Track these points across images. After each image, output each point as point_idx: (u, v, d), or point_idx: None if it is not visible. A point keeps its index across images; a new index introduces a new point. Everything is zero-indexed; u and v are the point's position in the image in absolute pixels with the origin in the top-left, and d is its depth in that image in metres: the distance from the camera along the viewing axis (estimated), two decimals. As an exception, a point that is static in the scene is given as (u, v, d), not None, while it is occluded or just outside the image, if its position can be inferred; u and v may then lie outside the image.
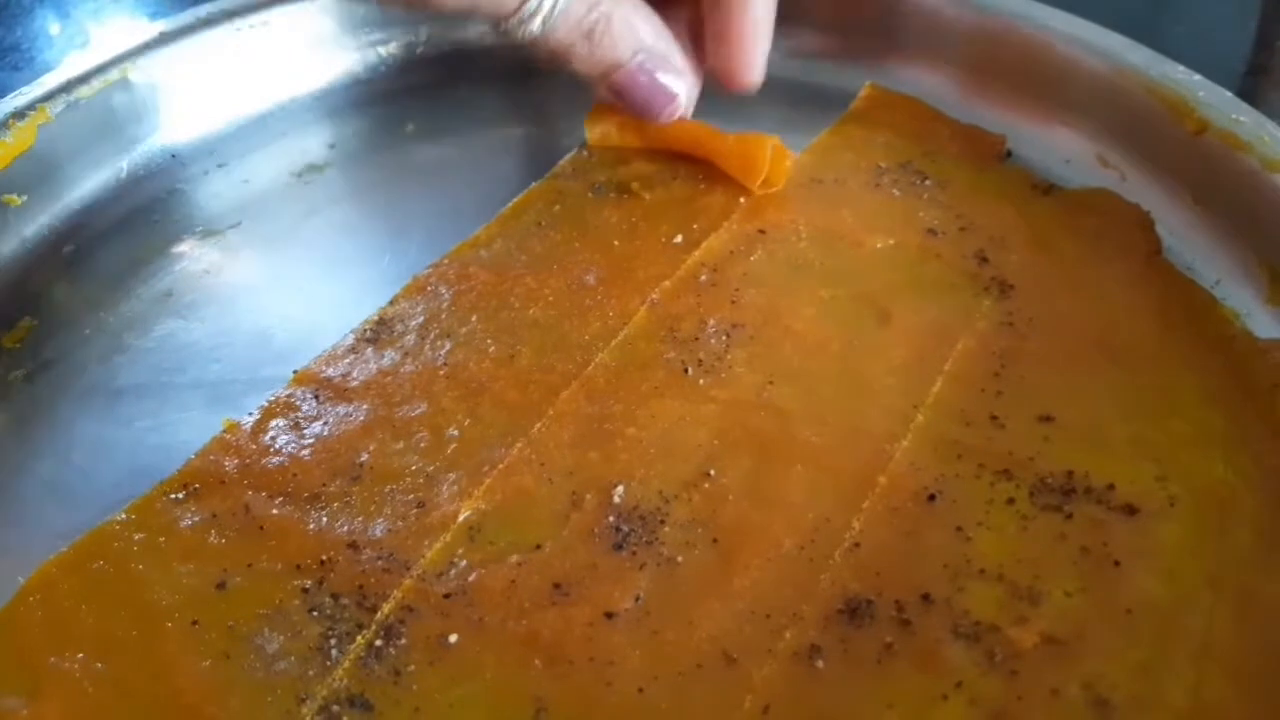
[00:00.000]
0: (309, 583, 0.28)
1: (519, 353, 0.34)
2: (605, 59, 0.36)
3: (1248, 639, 0.26)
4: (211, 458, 0.31)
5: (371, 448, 0.31)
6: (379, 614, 0.27)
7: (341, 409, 0.32)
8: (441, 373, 0.33)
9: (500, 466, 0.30)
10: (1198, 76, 0.38)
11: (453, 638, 0.27)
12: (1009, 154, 0.42)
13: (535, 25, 0.35)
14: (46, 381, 0.36)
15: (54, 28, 0.59)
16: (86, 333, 0.37)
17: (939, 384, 0.32)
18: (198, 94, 0.44)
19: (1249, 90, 0.40)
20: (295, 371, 0.34)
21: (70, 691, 0.26)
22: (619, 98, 0.38)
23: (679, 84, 0.38)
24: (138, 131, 0.43)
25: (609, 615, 0.27)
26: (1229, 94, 0.38)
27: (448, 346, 0.34)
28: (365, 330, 0.35)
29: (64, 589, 0.28)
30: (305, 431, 0.32)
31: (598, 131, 0.41)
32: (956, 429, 0.31)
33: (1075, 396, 0.32)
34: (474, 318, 0.35)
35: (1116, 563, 0.28)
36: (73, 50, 0.43)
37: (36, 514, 0.32)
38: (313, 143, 0.45)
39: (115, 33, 0.43)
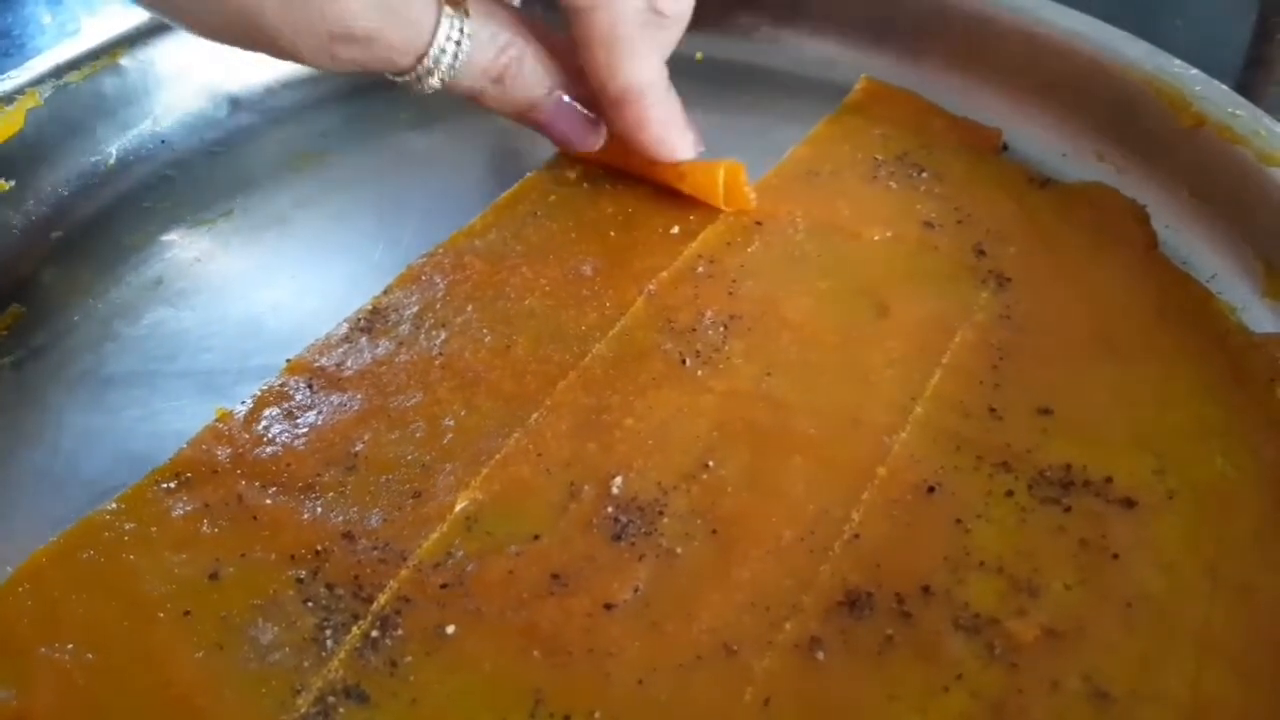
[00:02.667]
0: (303, 573, 0.28)
1: (515, 343, 0.33)
2: (519, 100, 0.35)
3: (1247, 631, 0.26)
4: (204, 447, 0.31)
5: (366, 437, 0.31)
6: (375, 604, 0.27)
7: (335, 398, 0.32)
8: (437, 362, 0.33)
9: (497, 457, 0.30)
10: (1195, 70, 0.38)
11: (450, 628, 0.26)
12: (1005, 147, 0.42)
13: (433, 81, 0.33)
14: (35, 369, 0.35)
15: (46, 16, 0.58)
16: (76, 320, 0.37)
17: (937, 376, 0.32)
18: (189, 80, 0.44)
19: (1246, 84, 0.40)
20: (288, 360, 0.33)
21: (60, 682, 0.26)
22: (539, 131, 0.37)
23: (593, 116, 0.37)
24: (128, 117, 0.43)
25: (608, 606, 0.27)
26: (1225, 88, 0.38)
27: (443, 336, 0.34)
28: (359, 319, 0.34)
29: (54, 579, 0.28)
30: (299, 421, 0.31)
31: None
32: (955, 421, 0.31)
33: (1073, 389, 0.32)
34: (469, 307, 0.35)
35: (1115, 555, 0.27)
36: (64, 38, 0.42)
37: (26, 503, 0.31)
38: (305, 130, 0.44)
39: (107, 20, 0.43)
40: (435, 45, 0.32)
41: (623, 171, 0.39)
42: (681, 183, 0.38)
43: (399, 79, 0.33)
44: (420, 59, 0.32)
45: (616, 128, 0.36)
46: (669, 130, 0.36)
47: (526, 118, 0.36)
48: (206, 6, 0.29)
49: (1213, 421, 0.31)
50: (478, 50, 0.33)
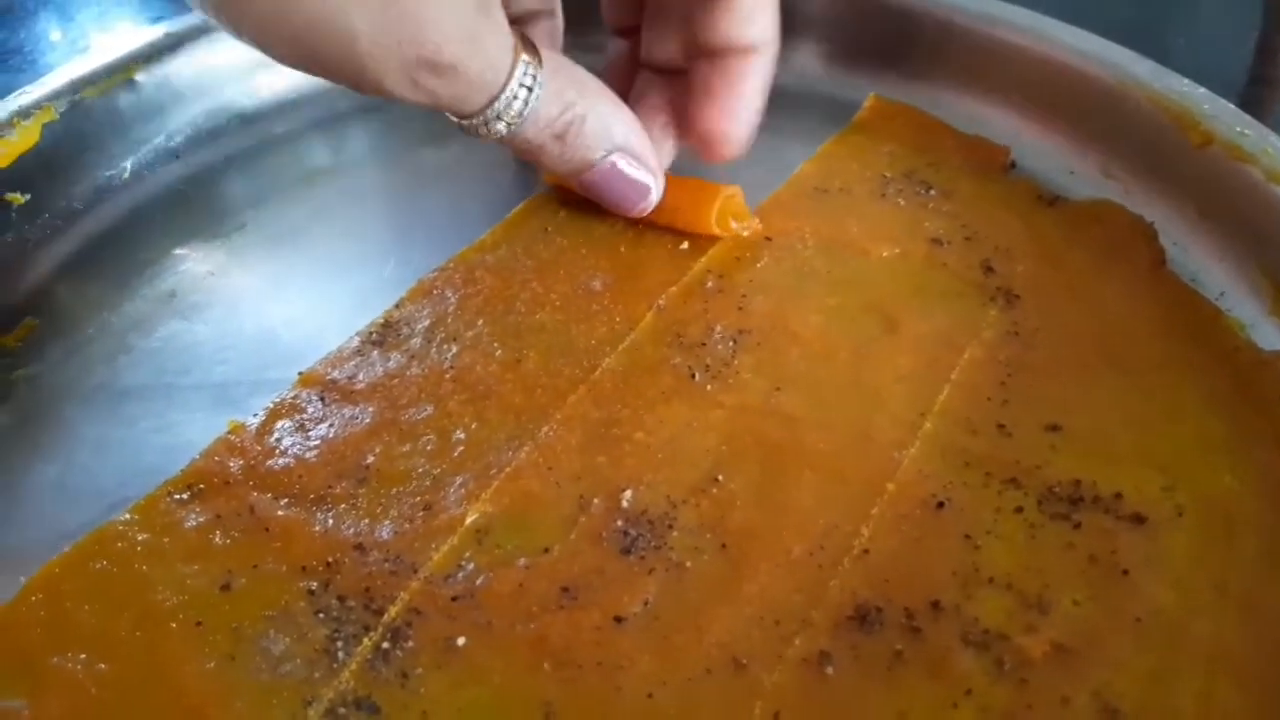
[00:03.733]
0: (315, 584, 0.28)
1: (525, 357, 0.34)
2: (576, 159, 0.35)
3: (1256, 647, 0.26)
4: (216, 458, 0.31)
5: (378, 450, 0.31)
6: (386, 616, 0.27)
7: (347, 411, 0.32)
8: (448, 376, 0.33)
9: (508, 470, 0.30)
10: (1202, 89, 0.39)
11: (460, 641, 0.26)
12: (1013, 165, 0.42)
13: (500, 127, 0.32)
14: (50, 382, 0.36)
15: (55, 33, 0.59)
16: (90, 333, 0.37)
17: (946, 392, 0.32)
18: (203, 96, 0.44)
19: (1251, 100, 0.40)
20: (300, 373, 0.33)
21: (72, 692, 0.26)
22: (588, 193, 0.37)
23: (651, 180, 0.36)
24: (143, 132, 0.43)
25: (618, 619, 0.27)
26: (1233, 107, 0.38)
27: (454, 350, 0.34)
28: (371, 333, 0.35)
29: (67, 589, 0.28)
30: (311, 433, 0.32)
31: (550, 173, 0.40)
32: (964, 437, 0.31)
33: (1082, 406, 0.32)
34: (480, 321, 0.35)
35: (1125, 571, 0.28)
36: (75, 55, 0.43)
37: (39, 514, 0.31)
38: (318, 145, 0.45)
39: (119, 36, 0.43)
40: (509, 89, 0.31)
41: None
42: (672, 217, 0.38)
43: (465, 123, 0.32)
44: (493, 100, 0.31)
45: (706, 88, 0.36)
46: (761, 99, 0.36)
47: (582, 179, 0.35)
48: (293, 32, 0.28)
49: (1221, 438, 0.31)
50: (546, 103, 0.32)
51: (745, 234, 0.38)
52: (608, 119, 0.34)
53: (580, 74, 0.34)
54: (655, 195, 0.37)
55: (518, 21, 0.37)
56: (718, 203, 0.37)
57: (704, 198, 0.37)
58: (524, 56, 0.31)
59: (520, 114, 0.32)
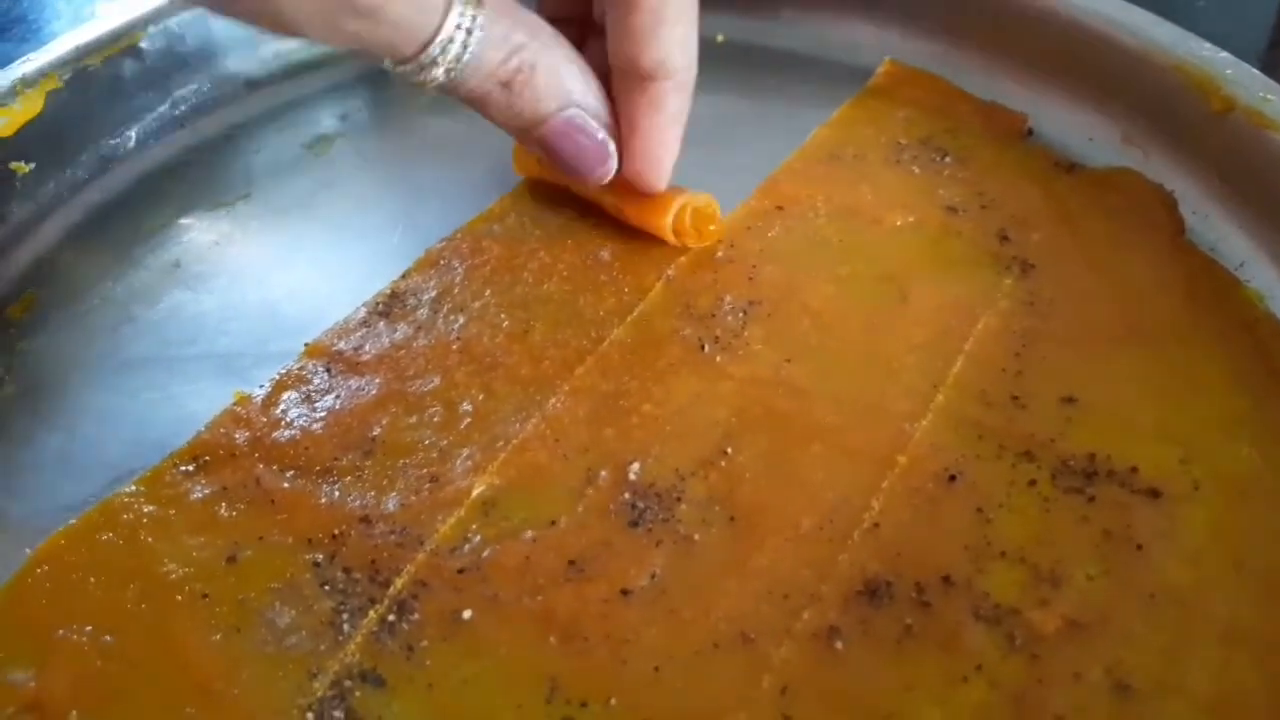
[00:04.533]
0: (321, 556, 0.28)
1: (533, 328, 0.33)
2: (527, 112, 0.31)
3: (1272, 624, 0.26)
4: (222, 430, 0.31)
5: (384, 422, 0.31)
6: (392, 589, 0.27)
7: (353, 382, 0.32)
8: (454, 347, 0.33)
9: (514, 442, 0.30)
10: (1225, 54, 0.38)
11: (467, 613, 0.26)
12: (1031, 132, 0.41)
13: (438, 73, 0.29)
14: (53, 352, 0.35)
15: (59, 1, 0.58)
16: (94, 303, 0.37)
17: (959, 363, 0.32)
18: (208, 64, 0.44)
19: (1272, 64, 0.39)
20: (306, 344, 0.33)
21: (78, 664, 0.26)
22: (543, 153, 0.33)
23: (611, 144, 0.33)
24: (147, 100, 0.43)
25: (625, 593, 0.27)
26: (1256, 72, 0.37)
27: (461, 321, 0.34)
28: (377, 304, 0.34)
29: (72, 561, 0.28)
30: (316, 405, 0.31)
31: (522, 164, 0.39)
32: (977, 409, 0.30)
33: (1098, 378, 0.31)
34: (487, 292, 0.35)
35: (1139, 546, 0.27)
36: (79, 23, 0.42)
37: (44, 486, 0.31)
38: (324, 114, 0.44)
39: (121, 5, 0.43)
40: (443, 32, 0.29)
41: (582, 193, 0.37)
42: (636, 218, 0.36)
43: (400, 69, 0.30)
44: (425, 46, 0.29)
45: (625, 109, 0.33)
46: (672, 135, 0.33)
47: (533, 134, 0.32)
48: None
49: (1239, 411, 0.30)
50: (489, 47, 0.30)
51: (706, 242, 0.36)
52: (562, 69, 0.31)
53: (531, 18, 0.31)
54: (614, 161, 0.33)
55: None
56: (671, 213, 0.35)
57: (660, 203, 0.35)
58: None
59: (459, 59, 0.29)
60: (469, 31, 0.29)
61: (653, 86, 0.32)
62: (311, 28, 0.27)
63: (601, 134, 0.33)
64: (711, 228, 0.36)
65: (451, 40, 0.29)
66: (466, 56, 0.29)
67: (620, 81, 0.33)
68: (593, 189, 0.35)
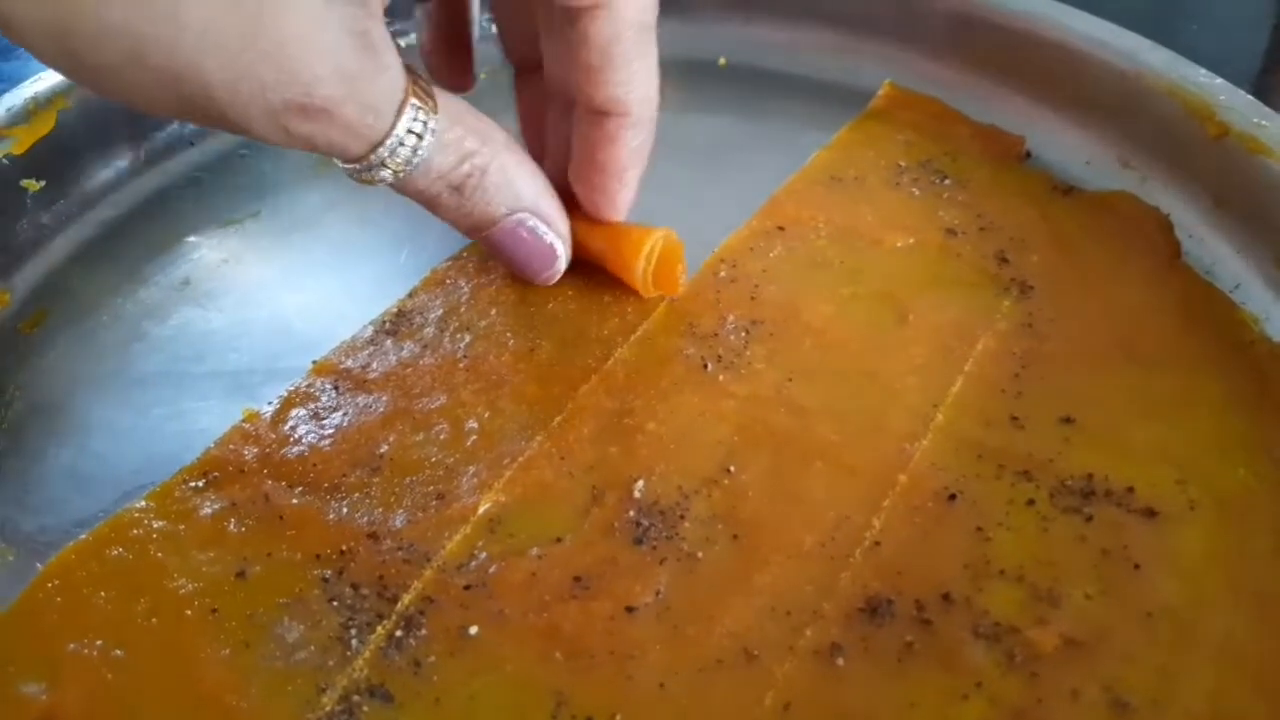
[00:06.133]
0: (329, 572, 0.28)
1: (539, 346, 0.34)
2: (476, 214, 0.31)
3: (1268, 643, 0.26)
4: (231, 447, 0.31)
5: (391, 439, 0.31)
6: (399, 604, 0.27)
7: (361, 400, 0.32)
8: (461, 365, 0.33)
9: (520, 460, 0.30)
10: (1219, 80, 0.38)
11: (473, 629, 0.27)
12: (1029, 154, 0.42)
13: (385, 175, 0.29)
14: (64, 368, 0.36)
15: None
16: (104, 320, 0.37)
17: (959, 384, 0.32)
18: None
19: (1265, 89, 0.40)
20: (314, 362, 0.34)
21: (89, 679, 0.26)
22: (492, 252, 0.34)
23: (559, 246, 0.33)
24: (157, 119, 0.43)
25: (629, 609, 0.27)
26: (1251, 98, 0.38)
27: (467, 339, 0.34)
28: (384, 322, 0.35)
29: (83, 576, 0.28)
30: (325, 422, 0.32)
31: None
32: (977, 429, 0.31)
33: (1095, 398, 0.32)
34: (493, 311, 0.35)
35: (1136, 566, 0.28)
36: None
37: (55, 501, 0.32)
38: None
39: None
40: (394, 135, 0.28)
41: None
42: (604, 264, 0.35)
43: (349, 168, 0.29)
44: (375, 147, 0.28)
45: (581, 139, 0.33)
46: (629, 172, 0.33)
47: (482, 236, 0.32)
48: (144, 87, 0.25)
49: (1235, 432, 0.31)
50: (439, 152, 0.29)
51: (682, 280, 0.35)
52: (513, 174, 0.31)
53: (485, 124, 0.31)
54: (562, 263, 0.34)
55: (431, 49, 0.36)
56: (640, 260, 0.34)
57: (630, 250, 0.34)
58: (415, 100, 0.28)
59: (408, 162, 0.29)
60: (419, 136, 0.29)
61: (609, 122, 0.32)
62: (259, 127, 0.27)
63: (550, 237, 0.33)
64: (680, 270, 0.35)
65: (402, 144, 0.28)
66: (416, 160, 0.29)
67: (580, 115, 0.32)
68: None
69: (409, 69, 0.29)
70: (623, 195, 0.34)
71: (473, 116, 0.31)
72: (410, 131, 0.28)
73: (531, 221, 0.32)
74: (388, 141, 0.28)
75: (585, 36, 0.30)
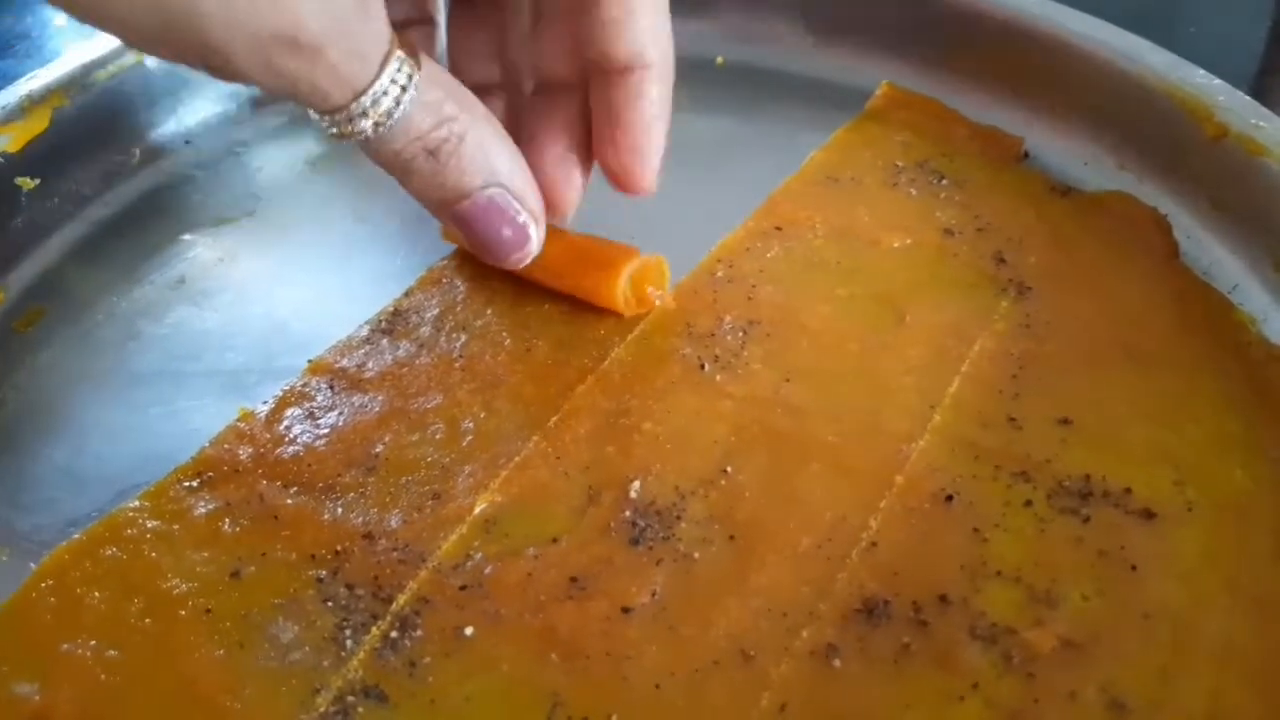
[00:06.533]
0: (324, 573, 0.28)
1: (535, 346, 0.34)
2: (450, 185, 0.30)
3: (1266, 645, 0.26)
4: (226, 446, 0.31)
5: (387, 439, 0.31)
6: (394, 605, 0.27)
7: (356, 399, 0.32)
8: (457, 365, 0.33)
9: (516, 460, 0.30)
10: (1218, 81, 0.38)
11: (469, 630, 0.27)
12: (1027, 155, 0.42)
13: (365, 125, 0.28)
14: (59, 367, 0.36)
15: (60, 18, 0.59)
16: (99, 318, 0.37)
17: (956, 384, 0.32)
18: (214, 81, 0.44)
19: (1262, 91, 0.40)
20: (309, 361, 0.33)
21: (82, 679, 0.26)
22: (460, 230, 0.32)
23: (532, 227, 0.32)
24: (152, 117, 0.43)
25: (626, 610, 0.27)
26: (1249, 99, 0.38)
27: (463, 339, 0.34)
28: (380, 321, 0.35)
29: (76, 575, 0.28)
30: (320, 421, 0.32)
31: (450, 233, 0.37)
32: (974, 430, 0.31)
33: (1093, 400, 0.32)
34: (489, 311, 0.35)
35: (1134, 567, 0.27)
36: (81, 39, 0.43)
37: (49, 500, 0.31)
38: (328, 132, 0.45)
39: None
40: (379, 84, 0.27)
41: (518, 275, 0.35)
42: (578, 291, 0.35)
43: (326, 119, 0.28)
44: (358, 95, 0.27)
45: (605, 104, 0.32)
46: (656, 126, 0.32)
47: (453, 209, 0.31)
48: (129, 3, 0.24)
49: (1233, 433, 0.31)
50: (419, 110, 0.28)
51: (658, 302, 0.35)
52: (490, 146, 0.30)
53: (464, 92, 0.30)
54: (534, 245, 0.32)
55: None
56: (622, 280, 0.34)
57: (608, 271, 0.34)
58: (399, 53, 0.28)
59: (389, 114, 0.28)
60: (403, 89, 0.28)
61: (632, 77, 0.31)
62: (243, 61, 0.26)
63: (523, 217, 0.31)
64: (655, 292, 0.35)
65: (385, 93, 0.28)
66: (398, 113, 0.28)
67: (596, 78, 0.32)
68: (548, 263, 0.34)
69: (396, 30, 0.28)
70: (655, 153, 0.33)
71: (454, 83, 0.30)
72: (394, 82, 0.28)
73: (505, 198, 0.31)
74: (371, 89, 0.27)
75: None
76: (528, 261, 0.33)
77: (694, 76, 0.47)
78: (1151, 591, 0.27)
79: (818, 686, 0.25)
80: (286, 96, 0.27)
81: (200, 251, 0.40)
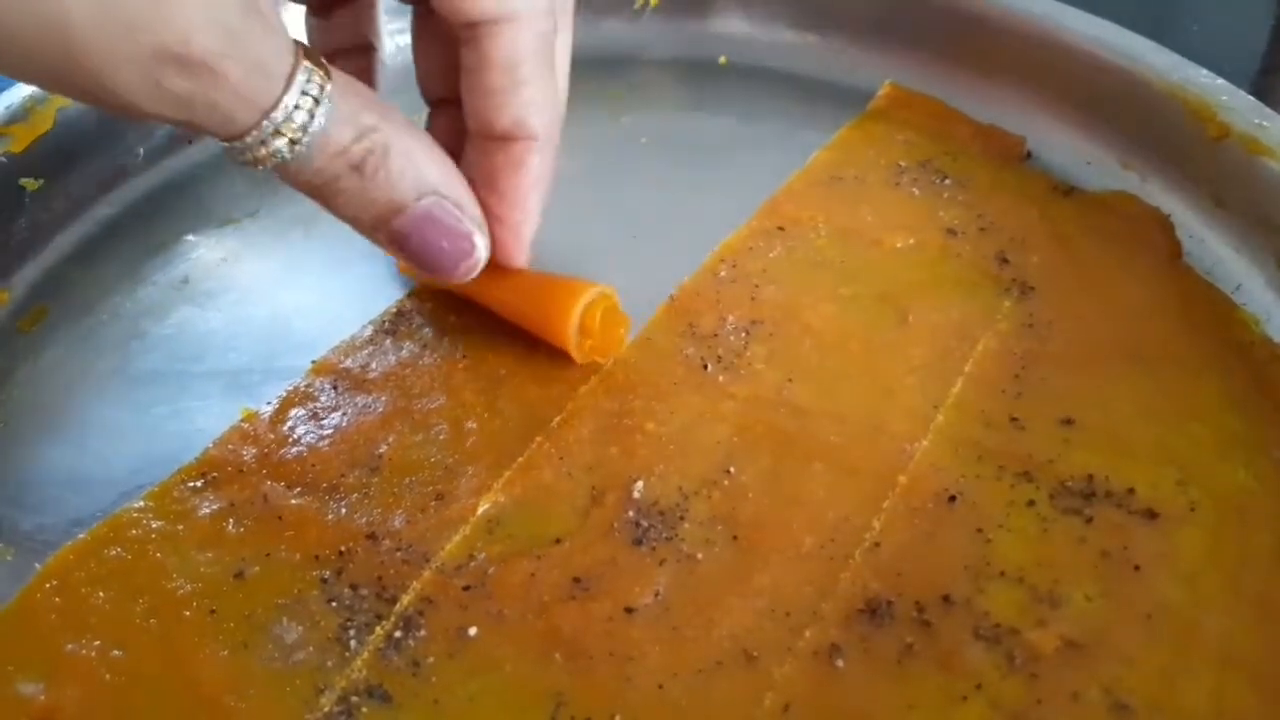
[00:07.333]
0: (328, 573, 0.28)
1: (538, 346, 0.34)
2: (382, 200, 0.28)
3: (1268, 644, 0.26)
4: (230, 447, 0.31)
5: (390, 439, 0.31)
6: (398, 605, 0.27)
7: (360, 400, 0.32)
8: (460, 365, 0.33)
9: (520, 460, 0.30)
10: (1221, 81, 0.38)
11: (472, 630, 0.27)
12: (1030, 155, 0.42)
13: (279, 145, 0.25)
14: (63, 367, 0.36)
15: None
16: (103, 318, 0.37)
17: (959, 385, 0.32)
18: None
19: (1264, 90, 0.40)
20: (313, 362, 0.34)
21: (87, 679, 0.26)
22: (399, 251, 0.29)
23: (477, 234, 0.29)
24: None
25: (629, 611, 0.27)
26: (1252, 99, 0.38)
27: (466, 340, 0.34)
28: (384, 322, 0.35)
29: (81, 576, 0.28)
30: (324, 422, 0.32)
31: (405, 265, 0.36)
32: (977, 430, 0.31)
33: (1096, 399, 0.32)
34: (492, 311, 0.35)
35: (1137, 567, 0.27)
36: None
37: (53, 500, 0.31)
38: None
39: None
40: (288, 98, 0.25)
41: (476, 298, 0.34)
42: (536, 328, 0.33)
43: (234, 145, 0.26)
44: (267, 114, 0.25)
45: (483, 172, 0.30)
46: (533, 198, 0.30)
47: (388, 227, 0.28)
48: None
49: (1235, 433, 0.31)
50: (336, 125, 0.26)
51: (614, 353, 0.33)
52: (417, 155, 0.28)
53: (380, 102, 0.28)
54: (481, 253, 0.30)
55: (329, 58, 0.33)
56: (573, 321, 0.32)
57: (559, 309, 0.32)
58: (307, 63, 0.25)
59: (304, 129, 0.25)
60: (316, 100, 0.26)
61: (513, 147, 0.30)
62: (128, 85, 0.23)
63: (466, 224, 0.29)
64: (621, 331, 0.33)
65: (297, 107, 0.25)
66: (313, 127, 0.26)
67: (478, 143, 0.30)
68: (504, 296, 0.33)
69: (300, 42, 0.26)
70: (527, 228, 0.31)
71: (368, 92, 0.28)
72: (305, 94, 0.25)
73: (443, 207, 0.29)
74: (281, 105, 0.25)
75: (486, 56, 0.28)
76: (476, 273, 0.30)
77: (697, 76, 0.48)
78: (1154, 592, 0.27)
79: (821, 687, 0.25)
80: (186, 125, 0.25)
81: (204, 252, 0.40)
